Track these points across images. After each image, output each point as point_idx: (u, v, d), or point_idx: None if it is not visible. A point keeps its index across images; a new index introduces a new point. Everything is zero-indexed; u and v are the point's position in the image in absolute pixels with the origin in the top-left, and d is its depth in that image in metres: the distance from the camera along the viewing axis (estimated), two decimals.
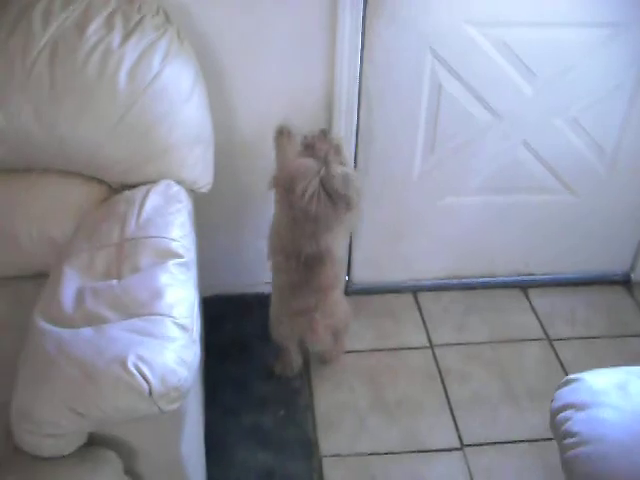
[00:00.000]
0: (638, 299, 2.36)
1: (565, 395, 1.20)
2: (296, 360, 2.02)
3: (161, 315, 1.24)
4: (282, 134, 1.78)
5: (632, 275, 2.41)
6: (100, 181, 1.60)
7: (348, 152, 1.94)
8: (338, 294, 1.89)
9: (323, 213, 1.63)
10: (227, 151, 1.92)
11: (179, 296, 1.31)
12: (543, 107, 2.02)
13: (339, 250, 1.78)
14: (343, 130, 1.95)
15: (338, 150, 1.68)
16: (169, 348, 1.19)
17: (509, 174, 2.14)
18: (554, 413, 1.19)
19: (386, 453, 1.83)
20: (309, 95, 1.91)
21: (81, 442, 1.22)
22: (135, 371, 1.12)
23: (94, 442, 1.24)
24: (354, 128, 1.99)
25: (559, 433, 1.16)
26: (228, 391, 1.98)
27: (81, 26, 1.51)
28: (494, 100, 1.99)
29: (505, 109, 2.01)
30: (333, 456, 1.82)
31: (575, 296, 2.36)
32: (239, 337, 2.14)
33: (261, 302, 2.20)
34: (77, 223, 1.55)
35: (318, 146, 1.66)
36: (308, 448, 1.83)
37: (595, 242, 2.34)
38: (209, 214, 2.06)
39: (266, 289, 2.23)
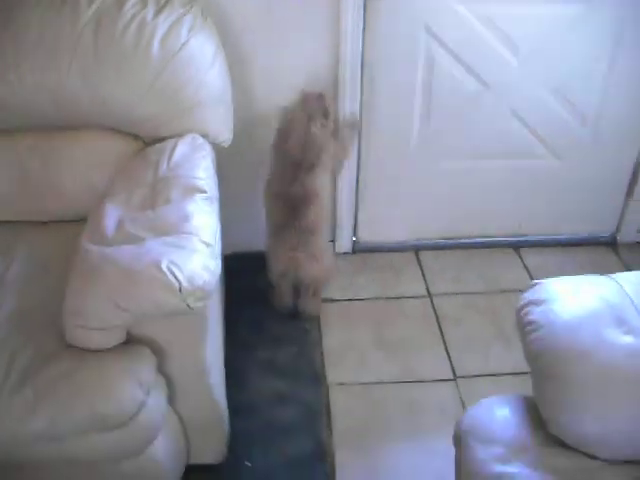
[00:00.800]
0: (623, 258, 2.56)
1: (527, 296, 1.41)
2: (288, 295, 2.25)
3: (189, 234, 1.48)
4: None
5: (618, 236, 2.61)
6: (135, 136, 1.84)
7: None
8: (322, 242, 2.15)
9: (300, 163, 1.99)
10: (246, 116, 2.16)
11: (204, 221, 1.55)
12: (528, 78, 2.24)
13: (324, 195, 2.07)
14: (348, 97, 2.20)
15: (326, 114, 2.02)
16: (196, 257, 1.42)
17: (499, 140, 2.36)
18: (518, 310, 1.41)
19: (386, 383, 2.06)
20: (318, 65, 2.15)
21: (122, 339, 1.46)
22: (168, 272, 1.36)
23: (131, 341, 1.49)
24: (358, 97, 2.22)
25: (521, 326, 1.38)
26: (246, 331, 2.21)
27: (120, 2, 1.77)
28: (483, 71, 2.22)
29: (493, 80, 2.24)
30: (338, 385, 2.05)
31: (565, 255, 2.56)
32: (256, 287, 2.35)
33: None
34: (115, 172, 1.81)
35: (310, 104, 2.00)
36: (316, 378, 2.07)
37: (583, 205, 2.54)
38: (228, 178, 2.30)
39: None
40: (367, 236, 2.53)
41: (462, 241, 2.57)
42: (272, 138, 2.12)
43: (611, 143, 2.41)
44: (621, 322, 1.28)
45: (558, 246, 2.60)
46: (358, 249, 2.54)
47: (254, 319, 2.26)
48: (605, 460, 1.22)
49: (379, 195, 2.45)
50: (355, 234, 2.53)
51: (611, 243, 2.63)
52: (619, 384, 1.21)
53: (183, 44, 1.77)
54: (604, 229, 2.62)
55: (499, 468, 1.24)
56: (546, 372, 1.27)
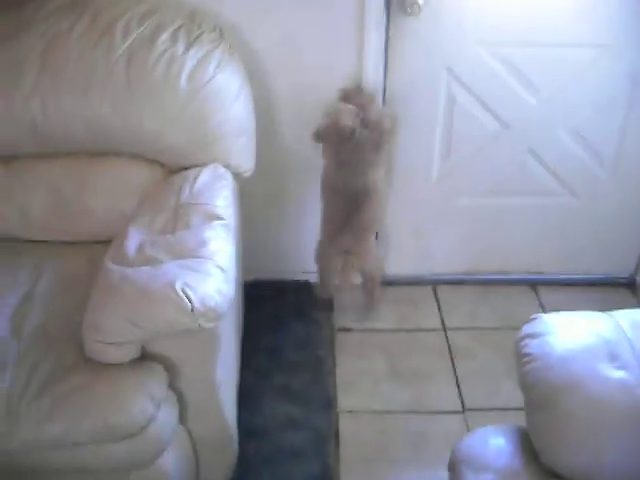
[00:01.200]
0: None
1: (526, 329, 1.46)
2: (333, 284, 2.30)
3: (205, 258, 1.56)
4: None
5: (637, 278, 2.62)
6: (161, 164, 1.94)
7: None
8: (373, 240, 2.19)
9: (365, 147, 1.98)
10: (269, 145, 2.25)
11: (220, 247, 1.62)
12: (546, 118, 2.29)
13: (381, 192, 2.08)
14: None
15: (372, 101, 2.07)
16: (210, 280, 1.50)
17: (518, 178, 2.41)
18: (517, 342, 1.45)
19: (395, 412, 2.10)
20: None
21: (136, 355, 1.54)
22: (181, 293, 1.44)
23: (145, 357, 1.56)
24: None
25: (518, 358, 1.42)
26: (263, 358, 2.27)
27: (152, 38, 1.87)
28: (502, 111, 2.27)
29: (512, 119, 2.29)
30: (349, 412, 2.10)
31: (582, 295, 2.56)
32: (276, 315, 2.43)
33: (297, 288, 2.53)
34: (142, 197, 1.90)
35: (355, 99, 2.02)
36: (328, 405, 2.12)
37: (601, 245, 2.56)
38: (251, 206, 2.39)
39: (302, 277, 2.55)
40: (386, 269, 2.59)
41: (480, 277, 2.61)
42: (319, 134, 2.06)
43: (630, 183, 2.43)
44: (614, 357, 1.31)
45: (576, 285, 2.61)
46: None
47: (271, 346, 2.32)
48: None
49: (399, 228, 2.51)
50: None
51: (630, 284, 2.64)
52: (609, 416, 1.24)
53: (210, 79, 1.86)
54: (623, 270, 2.63)
55: None
56: (538, 403, 1.31)
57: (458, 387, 2.18)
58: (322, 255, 2.22)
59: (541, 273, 2.62)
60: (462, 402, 2.13)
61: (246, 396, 2.09)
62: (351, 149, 2.00)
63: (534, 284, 2.62)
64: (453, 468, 1.38)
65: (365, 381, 2.20)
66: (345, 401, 2.13)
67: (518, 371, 1.41)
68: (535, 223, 2.52)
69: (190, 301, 1.43)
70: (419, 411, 2.10)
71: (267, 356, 2.28)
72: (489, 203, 2.47)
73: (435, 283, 2.61)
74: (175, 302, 1.43)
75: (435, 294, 2.57)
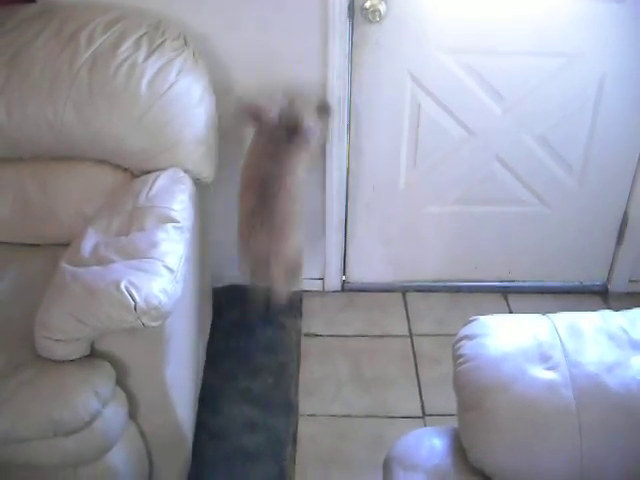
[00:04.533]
0: (614, 308, 2.56)
1: (464, 331, 1.48)
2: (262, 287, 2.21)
3: (154, 259, 1.59)
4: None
5: (609, 286, 2.63)
6: (125, 168, 1.98)
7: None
8: (294, 233, 2.08)
9: (282, 138, 1.99)
10: (240, 155, 2.29)
11: (171, 249, 1.65)
12: (511, 125, 2.31)
13: (297, 184, 2.04)
14: (336, 142, 2.30)
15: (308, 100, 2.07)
16: (156, 280, 1.53)
17: (486, 186, 2.43)
18: (453, 344, 1.47)
19: (355, 416, 2.12)
20: None
21: (85, 352, 1.57)
22: (125, 291, 1.47)
23: (95, 355, 1.59)
24: (345, 142, 2.33)
25: (454, 359, 1.44)
26: (229, 361, 2.30)
27: (115, 46, 1.92)
28: (467, 119, 2.30)
29: (478, 127, 2.32)
30: (309, 415, 2.12)
31: (553, 303, 2.57)
32: (245, 320, 2.45)
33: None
34: (104, 200, 1.94)
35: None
36: (288, 408, 2.14)
37: (572, 253, 2.57)
38: (225, 214, 2.42)
39: None
40: (356, 276, 2.61)
41: (450, 284, 2.63)
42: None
43: (598, 191, 2.45)
44: (546, 358, 1.33)
45: (547, 293, 2.62)
46: (347, 288, 2.62)
47: (238, 350, 2.35)
48: None
49: (368, 236, 2.54)
50: (344, 273, 2.61)
51: (603, 292, 2.65)
52: (536, 416, 1.26)
53: (170, 85, 1.91)
54: (596, 278, 2.64)
55: None
56: (468, 403, 1.33)
57: (420, 392, 2.20)
58: (242, 261, 2.15)
59: (512, 281, 2.63)
60: (422, 407, 2.15)
61: (209, 398, 2.12)
62: (268, 137, 2.01)
63: (505, 292, 2.63)
64: (386, 466, 1.40)
65: (327, 386, 2.22)
66: (306, 405, 2.15)
67: (453, 373, 1.42)
68: (506, 231, 2.54)
69: (133, 299, 1.47)
70: (378, 415, 2.12)
71: (233, 360, 2.30)
72: (458, 211, 2.49)
73: (405, 290, 2.63)
74: (118, 300, 1.46)
75: (404, 301, 2.59)
